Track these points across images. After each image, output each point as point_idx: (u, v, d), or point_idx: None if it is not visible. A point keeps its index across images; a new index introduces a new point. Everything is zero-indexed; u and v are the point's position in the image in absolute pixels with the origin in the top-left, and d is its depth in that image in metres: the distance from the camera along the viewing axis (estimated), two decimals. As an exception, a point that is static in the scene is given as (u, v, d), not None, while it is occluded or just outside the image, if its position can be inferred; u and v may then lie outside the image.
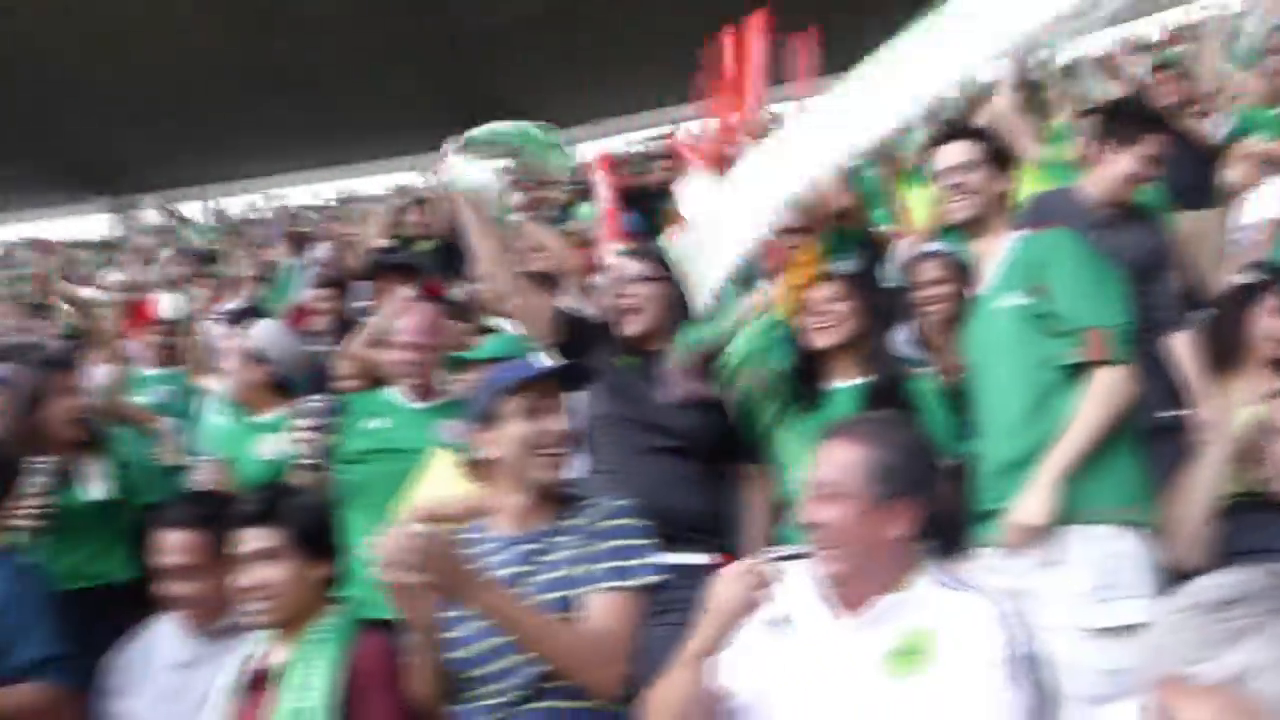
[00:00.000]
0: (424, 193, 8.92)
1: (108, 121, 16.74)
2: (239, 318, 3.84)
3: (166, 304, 4.81)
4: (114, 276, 5.09)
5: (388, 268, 4.45)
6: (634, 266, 2.71)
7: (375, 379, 3.34)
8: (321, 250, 7.42)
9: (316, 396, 2.72)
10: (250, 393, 3.24)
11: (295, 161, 17.51)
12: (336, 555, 2.09)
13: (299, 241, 7.37)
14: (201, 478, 2.85)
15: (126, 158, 18.03)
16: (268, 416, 3.21)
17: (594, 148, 14.41)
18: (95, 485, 3.25)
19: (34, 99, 16.42)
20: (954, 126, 3.26)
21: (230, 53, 15.04)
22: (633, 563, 1.85)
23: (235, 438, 3.21)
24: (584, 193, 5.64)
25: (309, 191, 16.77)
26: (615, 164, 4.61)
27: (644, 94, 14.31)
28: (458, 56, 14.59)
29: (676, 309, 2.67)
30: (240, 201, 16.51)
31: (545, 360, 2.62)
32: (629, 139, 13.25)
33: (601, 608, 1.80)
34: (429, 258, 5.62)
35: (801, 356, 2.81)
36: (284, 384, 3.25)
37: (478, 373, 2.86)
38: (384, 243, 6.70)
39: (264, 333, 3.42)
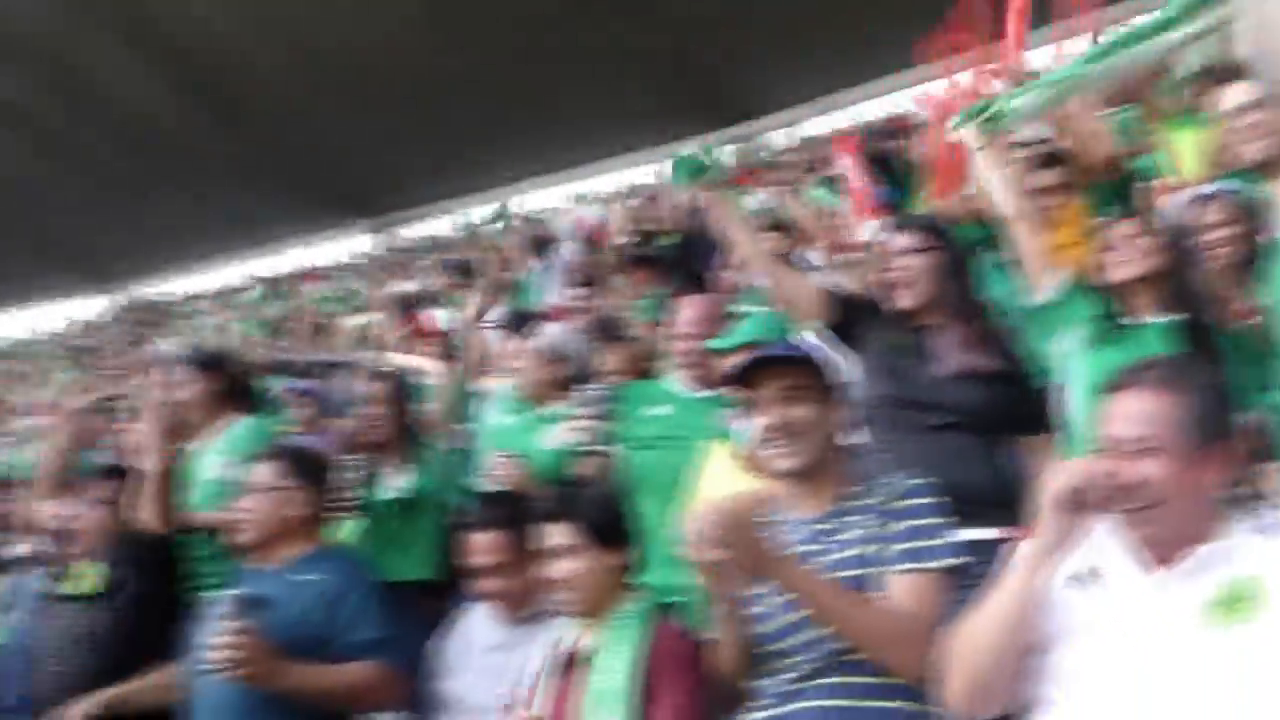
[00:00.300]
0: (659, 188, 9.06)
1: (361, 147, 18.12)
2: (514, 322, 4.07)
3: (441, 316, 5.09)
4: (392, 289, 5.47)
5: (638, 261, 4.58)
6: (902, 239, 2.64)
7: (644, 372, 3.46)
8: (567, 250, 7.70)
9: (595, 386, 2.83)
10: (540, 389, 3.42)
11: (534, 166, 18.22)
12: (631, 543, 2.18)
13: (541, 245, 7.61)
14: (498, 476, 3.02)
15: (382, 179, 19.35)
16: (552, 409, 3.37)
17: (820, 125, 14.30)
18: (397, 485, 3.55)
19: (293, 132, 18.06)
20: (1232, 68, 3.02)
21: (464, 69, 15.97)
22: (931, 543, 1.83)
23: (522, 432, 3.38)
24: (816, 174, 5.56)
25: (549, 195, 17.35)
26: (856, 141, 4.50)
27: (865, 67, 14.01)
28: (677, 46, 14.82)
29: (948, 279, 2.59)
30: (488, 211, 17.40)
31: (811, 340, 2.62)
32: (857, 112, 12.94)
33: (903, 590, 1.79)
34: (673, 251, 5.73)
35: (1103, 293, 2.70)
36: (571, 381, 3.40)
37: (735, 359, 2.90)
38: (626, 238, 6.87)
39: (556, 333, 3.61)
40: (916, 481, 1.91)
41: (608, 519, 2.16)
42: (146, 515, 2.67)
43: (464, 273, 7.56)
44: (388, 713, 2.70)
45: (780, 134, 14.52)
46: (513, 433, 3.42)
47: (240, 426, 3.43)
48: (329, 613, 2.44)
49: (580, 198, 13.92)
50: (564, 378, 3.44)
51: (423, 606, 3.28)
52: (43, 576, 3.21)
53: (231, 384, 3.63)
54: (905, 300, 2.60)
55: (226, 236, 21.80)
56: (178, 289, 21.36)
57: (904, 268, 2.59)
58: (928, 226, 2.71)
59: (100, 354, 14.63)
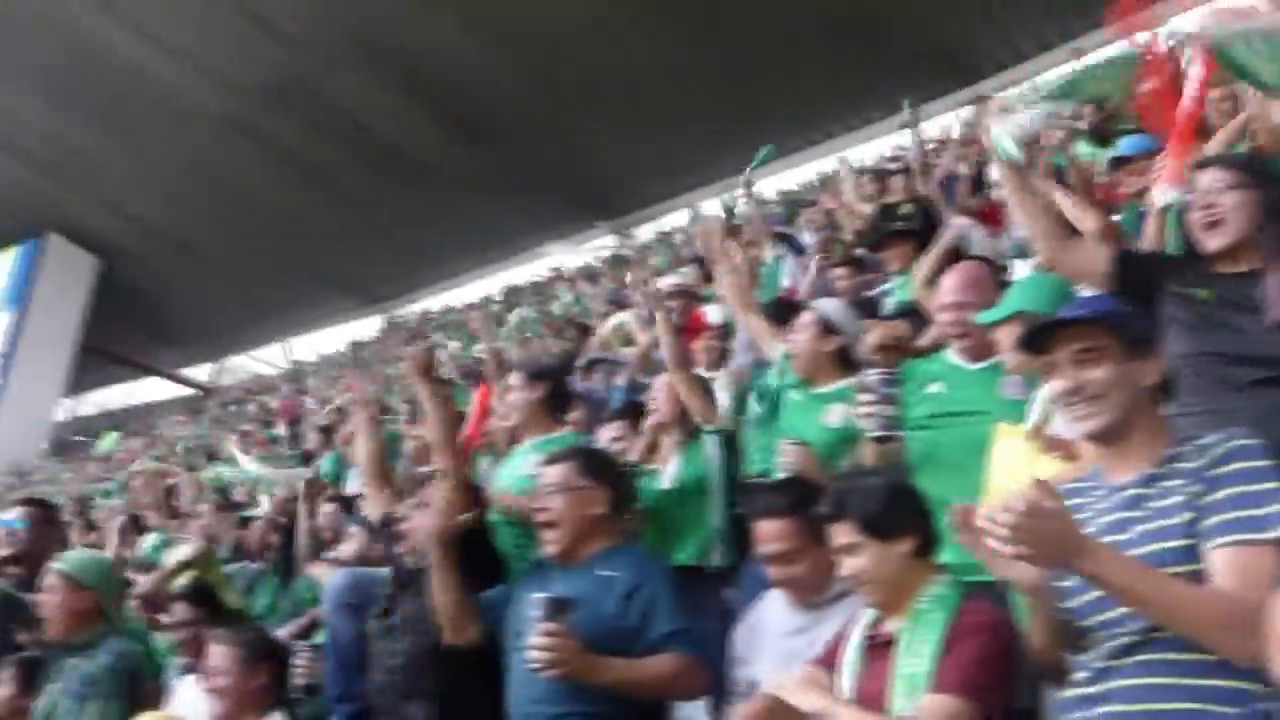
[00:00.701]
0: (901, 159, 8.81)
1: (598, 151, 18.73)
2: (773, 311, 4.08)
3: (714, 311, 5.11)
4: (656, 284, 5.55)
5: (893, 235, 4.46)
6: (1210, 175, 2.39)
7: (907, 351, 3.36)
8: (808, 234, 7.61)
9: (876, 370, 2.76)
10: (817, 365, 3.39)
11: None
12: (919, 527, 2.13)
13: (779, 233, 7.52)
14: (786, 463, 3.01)
15: (618, 179, 19.88)
16: (831, 387, 3.34)
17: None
18: (671, 475, 3.64)
19: (534, 144, 18.89)
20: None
21: (688, 66, 16.23)
22: (1262, 511, 1.61)
23: (802, 411, 3.37)
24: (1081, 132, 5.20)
25: (783, 179, 17.28)
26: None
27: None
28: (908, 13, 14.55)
29: (1267, 217, 2.32)
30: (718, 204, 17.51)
31: (1102, 297, 2.45)
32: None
33: (1229, 565, 1.60)
34: (916, 221, 5.55)
35: None
36: (848, 357, 3.36)
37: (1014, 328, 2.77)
38: (869, 211, 6.71)
39: (831, 306, 3.58)
40: (1244, 442, 1.70)
41: (884, 510, 2.11)
42: (446, 514, 2.83)
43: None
44: (693, 701, 2.77)
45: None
46: (793, 414, 3.40)
47: (559, 434, 3.64)
48: (630, 607, 2.51)
49: (824, 177, 13.77)
50: (840, 353, 3.38)
51: (701, 593, 3.38)
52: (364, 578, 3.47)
53: (555, 393, 3.82)
54: (1217, 240, 2.36)
55: (479, 249, 23.09)
56: (437, 303, 22.72)
57: (1213, 206, 2.37)
58: (1239, 162, 2.47)
59: (374, 368, 15.77)
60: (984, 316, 2.72)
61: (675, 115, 17.45)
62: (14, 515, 4.15)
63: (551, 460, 2.74)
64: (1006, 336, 2.58)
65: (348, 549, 4.42)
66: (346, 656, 3.29)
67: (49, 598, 3.38)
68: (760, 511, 2.51)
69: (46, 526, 4.18)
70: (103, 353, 26.87)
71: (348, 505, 5.14)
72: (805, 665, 2.19)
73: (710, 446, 3.69)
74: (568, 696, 2.44)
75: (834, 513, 2.13)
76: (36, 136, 21.64)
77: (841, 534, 2.11)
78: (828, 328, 3.43)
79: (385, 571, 3.28)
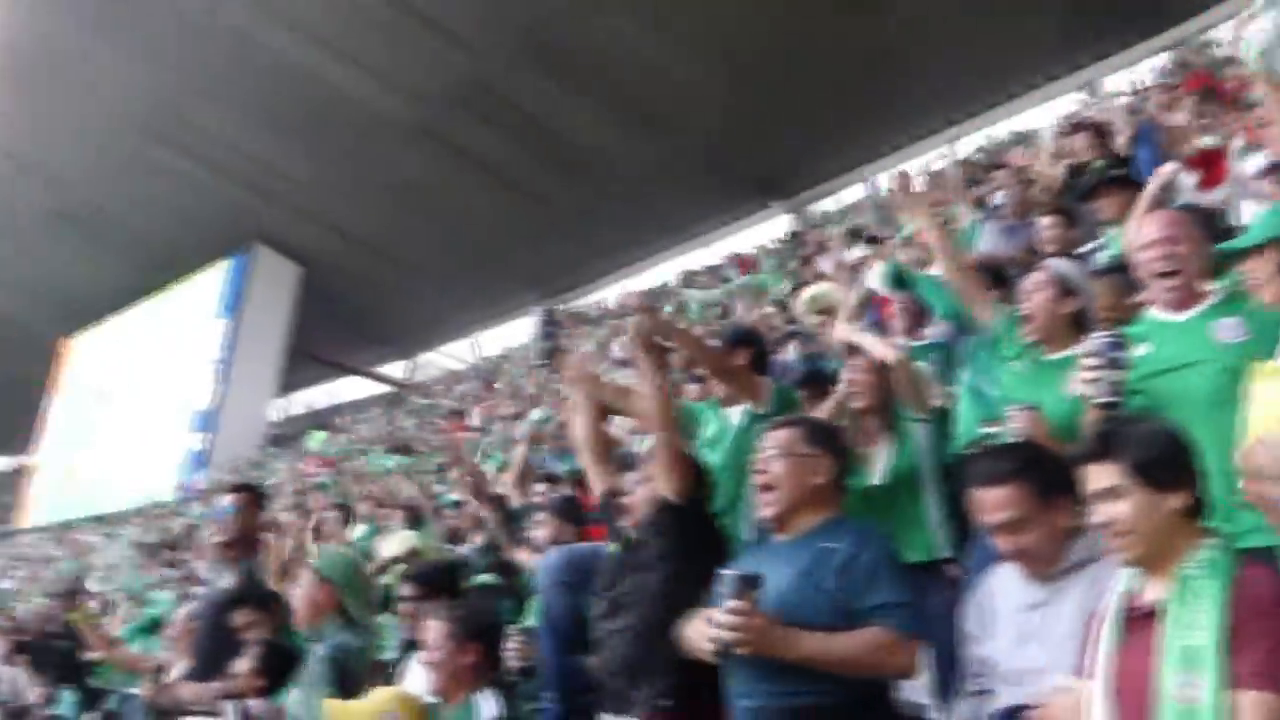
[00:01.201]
0: (1092, 115, 8.35)
1: (772, 133, 18.55)
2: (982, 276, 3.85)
3: (873, 276, 4.93)
4: (843, 258, 5.44)
5: (1107, 183, 4.18)
6: None
7: (1129, 310, 3.11)
8: (1000, 196, 7.25)
9: (1106, 332, 2.55)
10: (1053, 329, 3.13)
11: (943, 119, 17.66)
12: (1193, 483, 1.91)
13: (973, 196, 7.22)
14: (1013, 429, 2.82)
15: (792, 159, 19.67)
16: (1067, 353, 3.07)
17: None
18: (879, 469, 3.45)
19: (710, 131, 18.89)
20: None
21: (859, 39, 15.90)
22: None
23: (1030, 379, 3.14)
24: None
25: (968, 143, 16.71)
26: None
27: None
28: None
29: None
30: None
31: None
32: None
33: None
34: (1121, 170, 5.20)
35: None
36: (1083, 320, 3.11)
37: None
38: (1059, 173, 6.38)
39: (1065, 265, 3.31)
40: None
41: (1160, 456, 1.89)
42: (663, 484, 2.79)
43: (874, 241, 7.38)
44: (903, 679, 2.62)
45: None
46: (1018, 383, 3.17)
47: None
48: (849, 580, 2.40)
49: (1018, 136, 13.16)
50: (1075, 315, 3.11)
51: (929, 589, 3.21)
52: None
53: (757, 357, 3.81)
54: None
55: (654, 237, 23.29)
56: (612, 295, 23.02)
57: None
58: None
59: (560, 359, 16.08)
60: (1237, 242, 2.49)
61: (847, 90, 17.09)
62: (226, 502, 4.39)
63: (778, 425, 2.64)
64: (1262, 265, 2.33)
65: (540, 533, 4.45)
66: (563, 634, 3.30)
67: (299, 589, 3.56)
68: (983, 478, 2.34)
69: (254, 510, 4.39)
70: (308, 354, 28.56)
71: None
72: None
73: (920, 434, 3.48)
74: (784, 676, 2.35)
75: (1098, 451, 1.93)
76: (242, 155, 23.21)
77: (1103, 476, 1.90)
78: (1065, 288, 3.15)
79: (602, 548, 3.27)
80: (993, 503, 2.31)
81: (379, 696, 2.63)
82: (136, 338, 29.71)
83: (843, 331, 4.16)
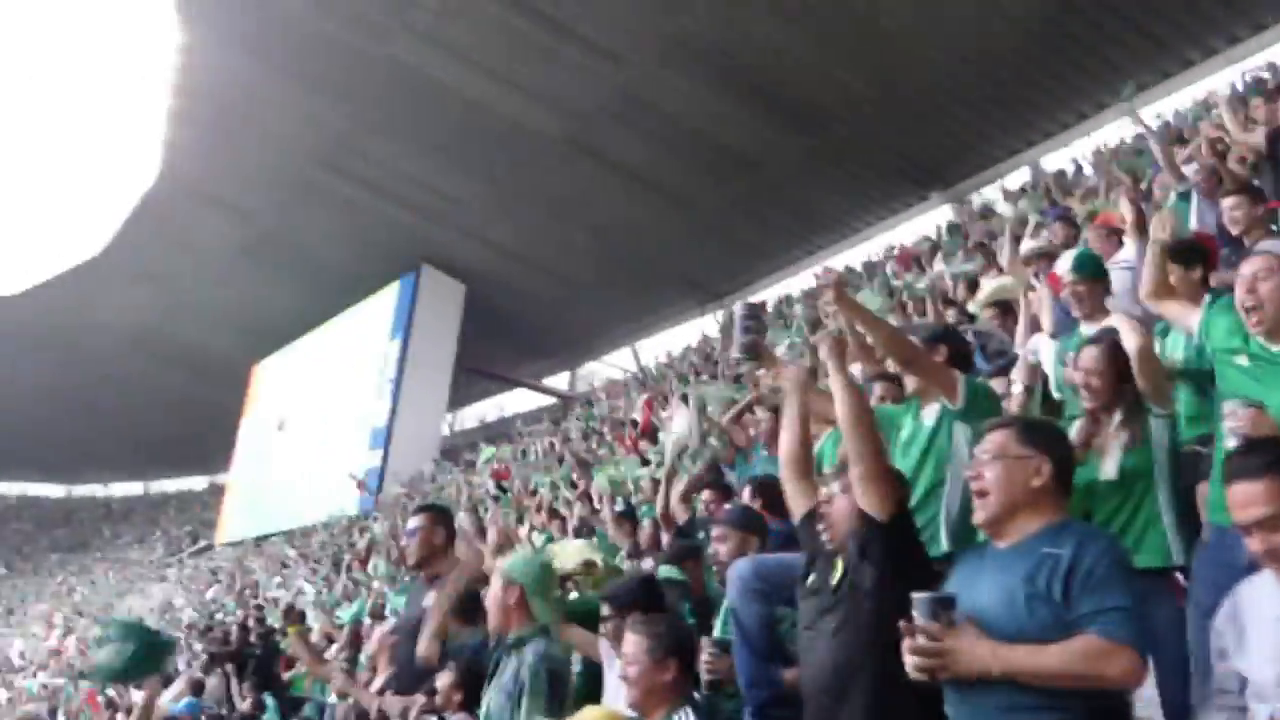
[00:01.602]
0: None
1: (929, 120, 18.08)
2: (1187, 256, 3.59)
3: (1063, 261, 4.69)
4: (1028, 247, 5.19)
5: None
6: None
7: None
8: (1191, 169, 6.76)
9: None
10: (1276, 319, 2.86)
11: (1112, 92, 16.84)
12: None
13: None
14: (1237, 426, 2.57)
15: (950, 147, 19.12)
16: None
17: None
18: (1111, 465, 3.18)
19: (864, 125, 18.52)
20: None
21: (1018, 18, 15.31)
22: None
23: (1255, 375, 2.88)
24: None
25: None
26: None
27: None
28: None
29: None
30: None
31: None
32: None
33: None
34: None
35: None
36: None
37: None
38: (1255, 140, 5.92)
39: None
40: None
41: None
42: (867, 499, 2.65)
43: (1072, 221, 6.95)
44: (1124, 691, 2.41)
45: None
46: (1241, 379, 2.91)
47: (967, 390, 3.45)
48: (1073, 586, 2.21)
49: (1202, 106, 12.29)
50: None
51: (1160, 598, 2.97)
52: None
53: (955, 355, 3.70)
54: None
55: (809, 235, 23.02)
56: (772, 294, 22.73)
57: None
58: None
59: (720, 364, 15.98)
60: None
61: (1009, 67, 16.46)
62: (414, 523, 4.45)
63: (991, 427, 2.49)
64: None
65: (723, 548, 4.35)
66: (756, 643, 3.22)
67: (490, 592, 3.57)
68: (1235, 474, 2.12)
69: (441, 529, 4.44)
70: (475, 370, 29.43)
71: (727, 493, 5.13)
72: None
73: (1157, 429, 3.21)
74: (1001, 695, 2.18)
75: None
76: (408, 180, 24.17)
77: None
78: None
79: (791, 558, 3.16)
80: (1244, 498, 2.10)
81: (587, 715, 2.58)
82: (318, 360, 31.24)
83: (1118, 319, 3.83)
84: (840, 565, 2.76)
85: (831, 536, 2.80)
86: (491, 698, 3.37)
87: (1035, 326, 5.01)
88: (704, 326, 25.26)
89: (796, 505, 3.03)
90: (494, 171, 22.91)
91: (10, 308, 35.47)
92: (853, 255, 20.99)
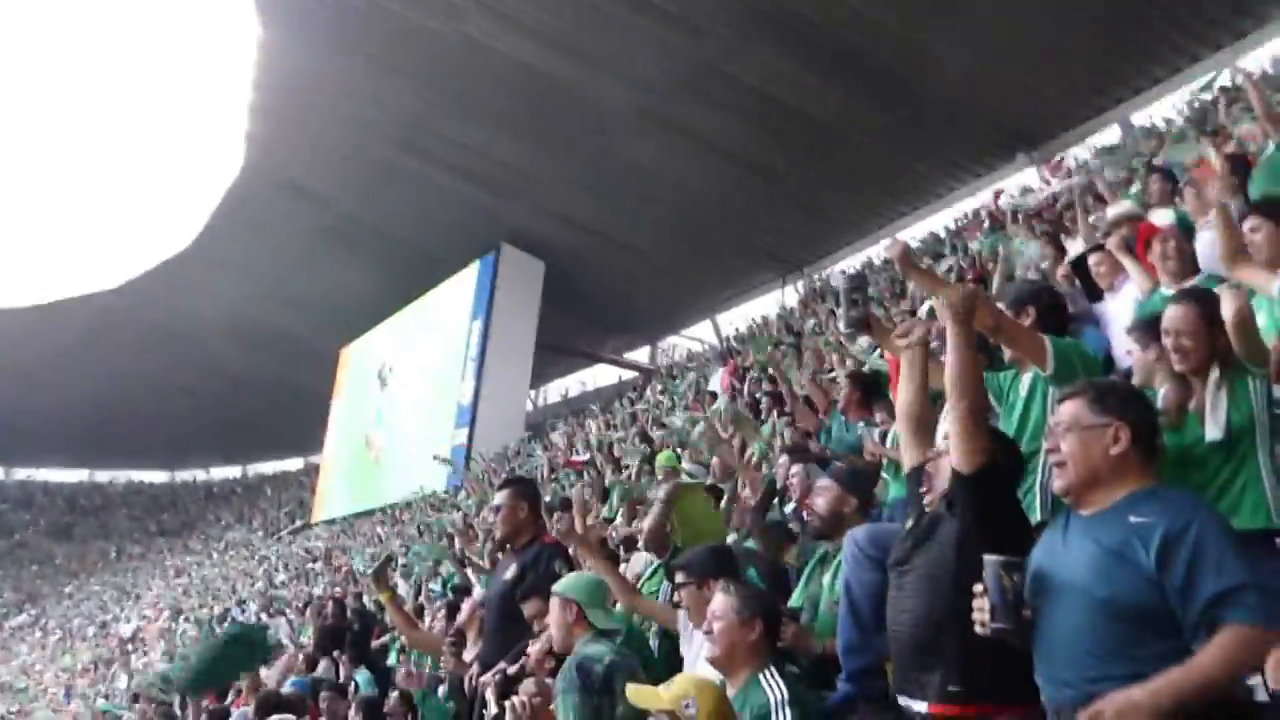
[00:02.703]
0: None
1: (1016, 79, 17.58)
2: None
3: (1163, 215, 4.55)
4: (1113, 211, 5.02)
5: None
6: None
7: None
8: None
9: None
10: None
11: (1212, 42, 16.13)
12: None
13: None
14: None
15: (1040, 105, 18.60)
16: None
17: None
18: (1215, 424, 3.05)
19: (950, 90, 18.05)
20: None
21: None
22: None
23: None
24: None
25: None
26: None
27: None
28: None
29: None
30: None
31: None
32: None
33: None
34: None
35: None
36: None
37: None
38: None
39: None
40: None
41: None
42: (959, 457, 2.59)
43: (1171, 176, 6.66)
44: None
45: None
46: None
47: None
48: (1173, 559, 2.09)
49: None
50: None
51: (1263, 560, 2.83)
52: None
53: (1047, 316, 3.60)
54: None
55: (891, 203, 22.63)
56: (854, 263, 22.41)
57: None
58: None
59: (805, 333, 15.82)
60: None
61: (1095, 26, 15.89)
62: (498, 499, 4.51)
63: (1063, 397, 2.41)
64: None
65: (821, 500, 4.30)
66: (862, 611, 3.18)
67: (551, 617, 3.67)
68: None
69: (525, 503, 4.49)
70: (556, 347, 29.65)
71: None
72: None
73: (1257, 389, 3.07)
74: (1113, 657, 2.10)
75: None
76: (485, 159, 24.36)
77: None
78: None
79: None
80: None
81: (678, 682, 2.60)
82: (403, 341, 31.82)
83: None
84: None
85: (929, 493, 2.75)
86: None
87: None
88: (785, 297, 25.05)
89: (908, 458, 2.98)
90: (571, 147, 22.96)
91: (112, 301, 36.82)
92: (936, 221, 20.62)
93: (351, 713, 6.00)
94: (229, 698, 9.60)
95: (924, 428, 3.00)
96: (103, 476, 53.35)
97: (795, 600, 3.83)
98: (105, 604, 35.24)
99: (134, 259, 35.95)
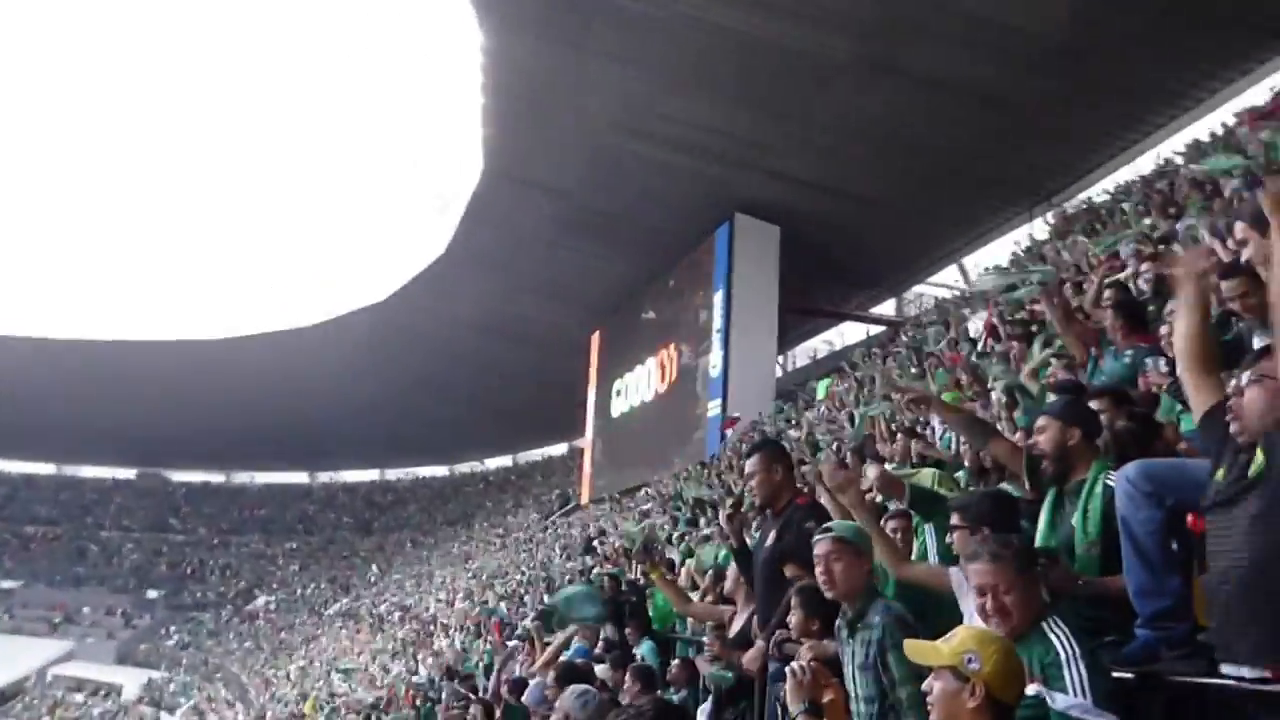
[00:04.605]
0: None
1: None
2: None
3: None
4: None
5: None
6: None
7: None
8: None
9: None
10: None
11: None
12: None
13: None
14: None
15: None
16: None
17: None
18: None
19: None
20: None
21: None
22: None
23: None
24: None
25: None
26: None
27: None
28: None
29: None
30: None
31: None
32: None
33: None
34: None
35: None
36: None
37: None
38: None
39: None
40: None
41: None
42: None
43: None
44: None
45: None
46: None
47: None
48: None
49: None
50: None
51: None
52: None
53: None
54: None
55: (1147, 114, 20.90)
56: (1109, 184, 20.79)
57: None
58: None
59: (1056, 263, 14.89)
60: None
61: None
62: (750, 466, 4.50)
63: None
64: None
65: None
66: (1148, 551, 2.97)
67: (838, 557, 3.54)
68: None
69: (778, 465, 4.45)
70: (800, 310, 29.37)
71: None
72: None
73: None
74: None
75: None
76: (709, 133, 24.42)
77: None
78: None
79: (1186, 463, 2.89)
80: None
81: (959, 635, 2.49)
82: (651, 319, 32.55)
83: None
84: (1260, 454, 2.47)
85: (1243, 428, 2.51)
86: (857, 681, 3.35)
87: None
88: (1033, 230, 23.61)
89: (1197, 401, 2.75)
90: (795, 109, 22.62)
91: (383, 312, 39.78)
92: (1195, 130, 18.69)
93: (628, 680, 6.14)
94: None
95: (1210, 366, 2.75)
96: (392, 474, 57.96)
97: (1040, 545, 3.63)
98: (406, 590, 38.30)
99: (397, 270, 38.66)
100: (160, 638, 48.82)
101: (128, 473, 59.31)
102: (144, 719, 41.04)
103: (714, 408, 26.73)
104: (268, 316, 45.42)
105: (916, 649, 2.56)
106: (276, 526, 55.61)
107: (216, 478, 59.21)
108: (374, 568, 46.60)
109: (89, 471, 59.22)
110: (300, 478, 58.98)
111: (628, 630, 8.68)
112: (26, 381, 47.71)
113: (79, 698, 43.82)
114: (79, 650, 47.45)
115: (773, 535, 4.29)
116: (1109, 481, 3.28)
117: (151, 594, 52.13)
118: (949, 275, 29.62)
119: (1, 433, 52.84)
